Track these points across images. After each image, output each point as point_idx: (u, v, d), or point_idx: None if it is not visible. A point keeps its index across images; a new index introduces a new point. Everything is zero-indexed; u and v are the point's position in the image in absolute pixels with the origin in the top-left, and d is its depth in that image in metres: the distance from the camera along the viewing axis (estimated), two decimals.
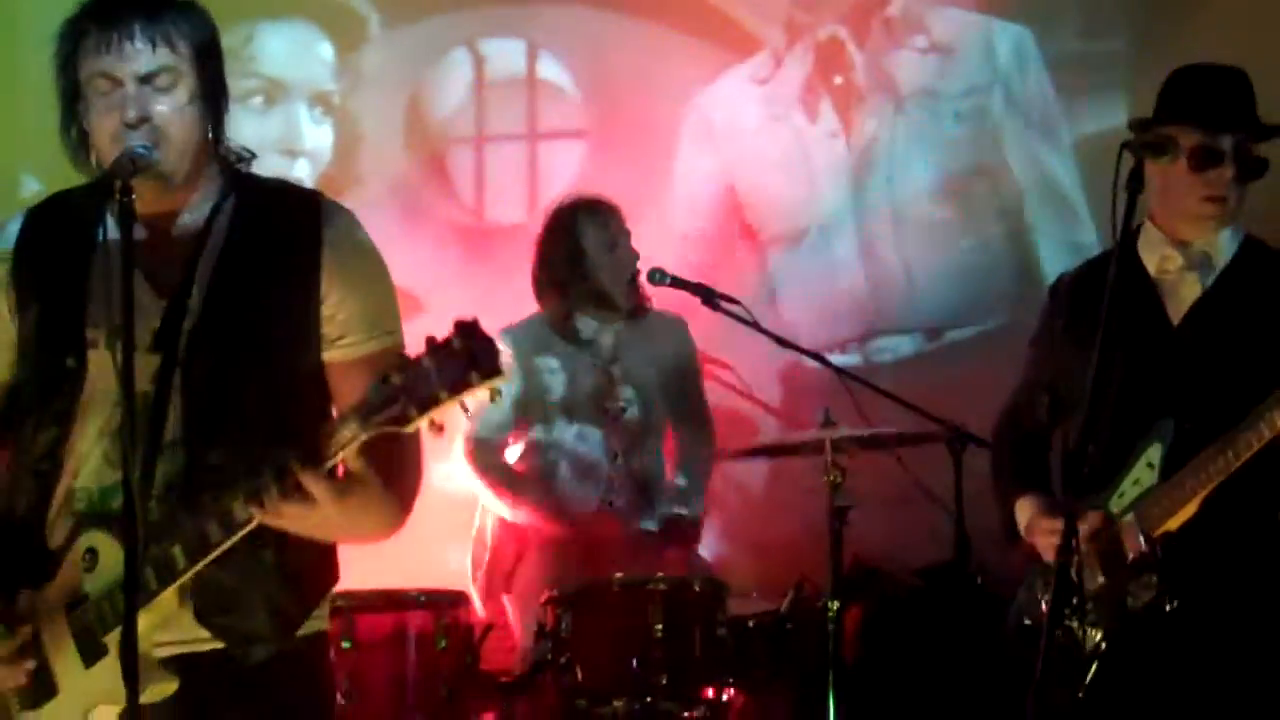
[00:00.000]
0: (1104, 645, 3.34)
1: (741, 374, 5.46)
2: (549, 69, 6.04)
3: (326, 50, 6.11)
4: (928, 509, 4.87)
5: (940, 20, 5.86)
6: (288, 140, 6.03)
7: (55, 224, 2.63)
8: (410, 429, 2.23)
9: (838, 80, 5.88)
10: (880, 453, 4.71)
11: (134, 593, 2.28)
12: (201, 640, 2.52)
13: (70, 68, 2.53)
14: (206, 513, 2.38)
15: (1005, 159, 5.80)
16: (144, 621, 2.36)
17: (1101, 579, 3.37)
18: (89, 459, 2.54)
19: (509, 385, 4.45)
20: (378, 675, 4.19)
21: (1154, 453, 3.34)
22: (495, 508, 4.84)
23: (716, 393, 5.38)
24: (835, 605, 4.32)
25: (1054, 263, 5.63)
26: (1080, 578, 3.34)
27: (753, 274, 5.78)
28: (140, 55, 2.48)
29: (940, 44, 5.85)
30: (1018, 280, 5.75)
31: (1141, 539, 3.31)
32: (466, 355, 2.18)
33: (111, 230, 2.47)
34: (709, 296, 4.81)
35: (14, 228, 2.64)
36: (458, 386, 2.18)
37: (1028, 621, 3.52)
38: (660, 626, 4.16)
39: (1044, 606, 3.33)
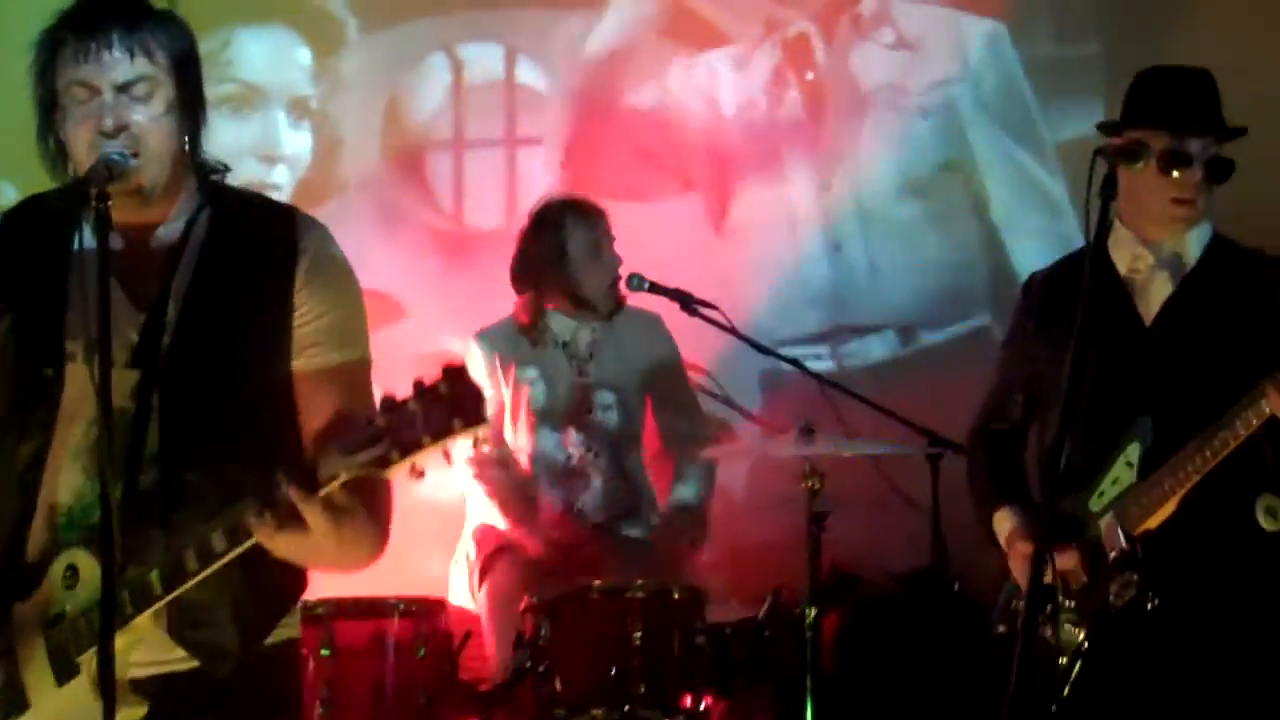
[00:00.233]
0: (1086, 644, 3.36)
1: (719, 379, 5.46)
2: (527, 74, 6.04)
3: (304, 55, 6.10)
4: (905, 514, 4.88)
5: (908, 16, 5.87)
6: (266, 145, 6.01)
7: (30, 230, 2.61)
8: (391, 473, 2.25)
9: (809, 76, 5.90)
10: (858, 457, 4.72)
11: (110, 616, 2.29)
12: (175, 660, 2.51)
13: (48, 77, 2.52)
14: (185, 540, 2.38)
15: (974, 156, 5.83)
16: (118, 643, 2.35)
17: (1084, 579, 3.38)
18: (68, 474, 2.53)
19: (488, 393, 4.44)
20: (356, 683, 4.19)
21: (1132, 451, 3.37)
22: (487, 514, 4.82)
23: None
24: (813, 612, 4.32)
25: (1030, 261, 5.66)
26: (1058, 582, 3.36)
27: (724, 271, 5.79)
28: (118, 64, 2.47)
29: (907, 39, 5.87)
30: (991, 279, 5.77)
31: (1122, 538, 3.33)
32: (452, 402, 2.19)
33: (88, 239, 2.46)
34: (687, 302, 4.82)
35: None
36: (441, 433, 2.20)
37: (1002, 629, 3.54)
38: (639, 634, 4.16)
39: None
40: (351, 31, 6.10)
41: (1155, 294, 3.49)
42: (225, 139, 2.73)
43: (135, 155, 2.46)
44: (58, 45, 2.50)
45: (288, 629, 2.63)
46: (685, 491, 4.92)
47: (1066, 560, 3.38)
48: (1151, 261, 3.49)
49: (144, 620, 2.42)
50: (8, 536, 2.54)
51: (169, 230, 2.58)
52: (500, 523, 4.77)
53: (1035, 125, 5.80)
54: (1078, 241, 5.42)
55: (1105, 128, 3.54)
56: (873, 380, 5.35)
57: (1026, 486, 3.60)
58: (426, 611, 4.31)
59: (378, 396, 2.27)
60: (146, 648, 2.48)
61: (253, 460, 2.42)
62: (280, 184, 5.98)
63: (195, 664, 2.51)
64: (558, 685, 4.16)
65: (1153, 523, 3.32)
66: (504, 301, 4.97)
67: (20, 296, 2.56)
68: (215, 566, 2.37)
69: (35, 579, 2.52)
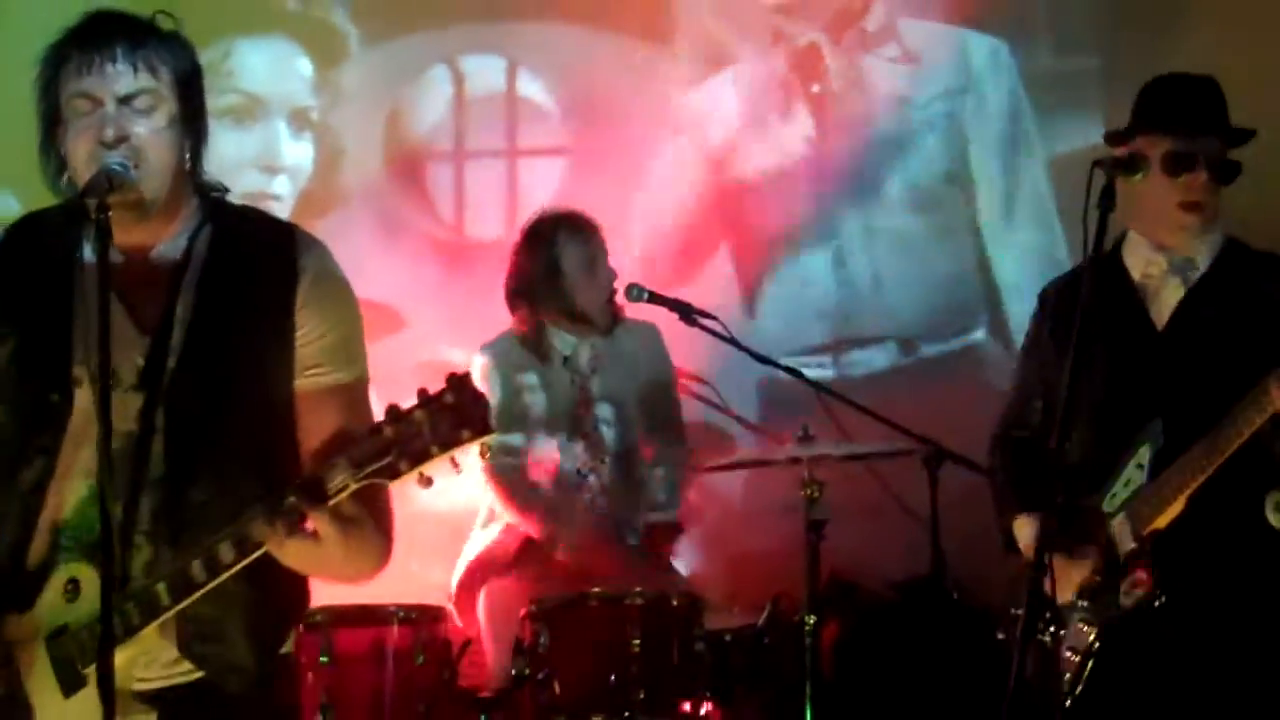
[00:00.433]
0: (1097, 644, 3.38)
1: (719, 389, 5.47)
2: (528, 86, 6.06)
3: (305, 66, 6.12)
4: (904, 522, 4.89)
5: (913, 31, 5.90)
6: (267, 156, 6.04)
7: (31, 249, 2.62)
8: (400, 482, 2.28)
9: (815, 89, 5.92)
10: (856, 465, 4.73)
11: (109, 635, 2.31)
12: (181, 673, 2.53)
13: (51, 91, 2.53)
14: (192, 552, 2.40)
15: (977, 169, 5.85)
16: (125, 655, 2.39)
17: (1096, 577, 3.41)
18: (75, 494, 2.54)
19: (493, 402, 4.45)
20: (356, 691, 4.18)
21: (1143, 454, 3.40)
22: (504, 513, 4.82)
23: (694, 408, 5.39)
24: (812, 619, 4.33)
25: (1027, 274, 5.68)
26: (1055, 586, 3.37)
27: (728, 283, 5.81)
28: (121, 76, 2.49)
29: (912, 53, 5.90)
30: (990, 292, 5.79)
31: (1131, 537, 3.35)
32: (458, 411, 2.23)
33: (89, 257, 2.48)
34: (686, 312, 4.82)
35: None
36: (449, 442, 2.24)
37: (1001, 637, 3.56)
38: (638, 641, 4.17)
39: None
40: (353, 43, 6.12)
41: (1167, 299, 3.52)
42: (226, 149, 2.76)
43: (136, 167, 2.47)
44: (62, 61, 2.52)
45: (286, 644, 2.66)
46: (658, 497, 4.93)
47: (1084, 560, 3.40)
48: (1164, 267, 3.52)
49: (151, 632, 2.44)
50: (6, 556, 2.54)
51: (170, 249, 2.59)
52: (506, 512, 4.76)
53: (1033, 140, 5.82)
54: (1066, 254, 5.49)
55: (1112, 137, 3.57)
56: (870, 389, 5.36)
57: (1048, 493, 3.61)
58: (426, 619, 4.31)
59: (378, 411, 2.30)
60: (155, 661, 2.50)
61: (258, 479, 2.45)
62: (281, 194, 6.00)
63: (201, 674, 2.52)
64: (557, 691, 4.17)
65: (1162, 522, 3.34)
66: (504, 312, 4.97)
67: (24, 318, 2.57)
68: (223, 577, 2.39)
69: (32, 593, 2.53)
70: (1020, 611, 3.20)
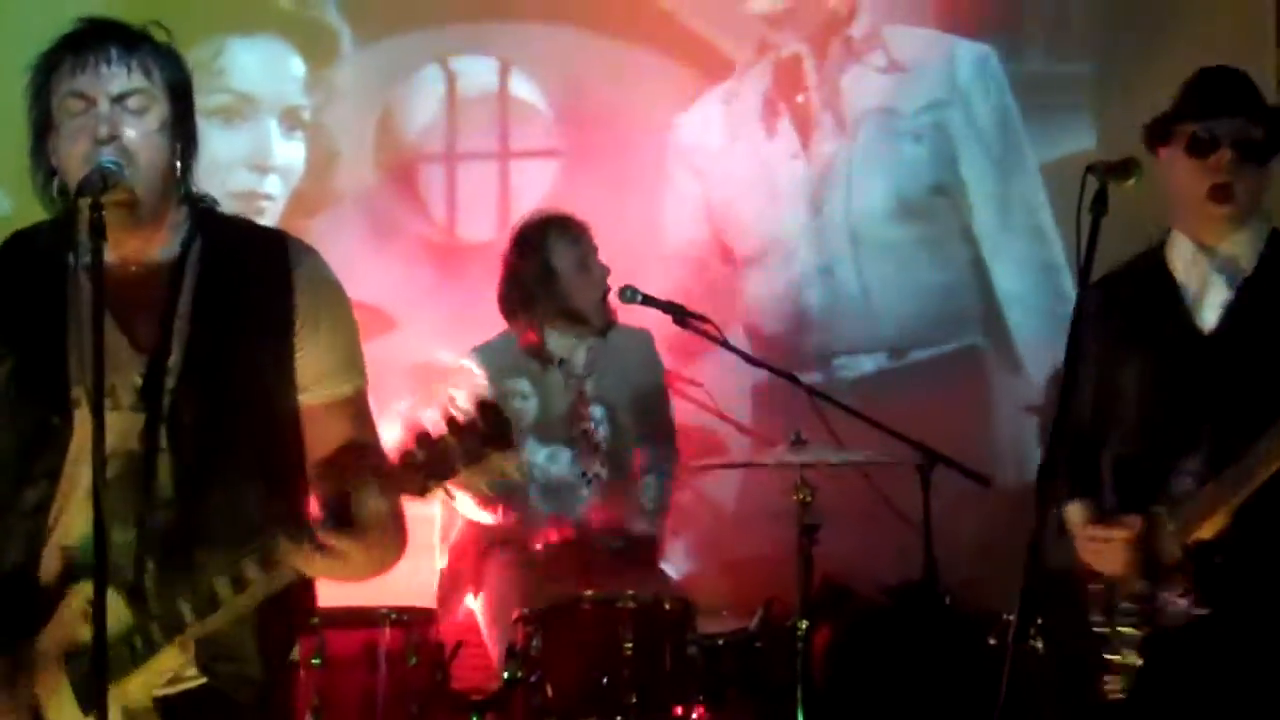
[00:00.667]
0: (1138, 656, 3.36)
1: (712, 392, 5.47)
2: (521, 87, 6.05)
3: (297, 66, 6.10)
4: (896, 527, 4.89)
5: (899, 39, 5.89)
6: (258, 155, 6.00)
7: (22, 267, 2.60)
8: (427, 498, 2.35)
9: (799, 99, 5.92)
10: (849, 470, 4.73)
11: (102, 653, 2.32)
12: (189, 677, 2.53)
13: (43, 96, 2.53)
14: (216, 571, 2.42)
15: (965, 178, 5.84)
16: (145, 674, 2.43)
17: (1141, 584, 3.39)
18: (83, 515, 2.51)
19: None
20: (348, 693, 4.18)
21: (1192, 462, 3.36)
22: (475, 514, 4.81)
23: (687, 411, 5.39)
24: (804, 624, 4.33)
25: (1025, 283, 5.68)
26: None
27: (724, 293, 5.80)
28: (115, 76, 2.49)
29: (898, 62, 5.89)
30: (980, 301, 5.78)
31: (1175, 546, 3.33)
32: (483, 431, 2.31)
33: (82, 265, 2.47)
34: (680, 314, 4.82)
35: None
36: (474, 459, 2.33)
37: (993, 642, 3.56)
38: (630, 645, 4.17)
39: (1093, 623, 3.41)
40: (345, 43, 6.10)
41: (1212, 300, 3.45)
42: (217, 149, 2.75)
43: (127, 166, 2.46)
44: (55, 65, 2.52)
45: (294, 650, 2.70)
46: (644, 501, 4.92)
47: (1130, 525, 3.37)
48: (1207, 267, 3.46)
49: (172, 652, 2.46)
50: (11, 578, 2.53)
51: (161, 261, 2.58)
52: (483, 516, 4.75)
53: (1023, 149, 5.81)
54: (1062, 262, 5.49)
55: (1151, 128, 3.52)
56: (862, 393, 5.36)
57: (1099, 484, 3.58)
58: (418, 621, 4.30)
59: (398, 427, 2.36)
60: (174, 680, 2.51)
61: (266, 492, 2.48)
62: (273, 194, 5.97)
63: (204, 680, 2.53)
64: (549, 695, 4.17)
65: (1206, 532, 3.30)
66: (496, 314, 4.96)
67: (19, 338, 2.56)
68: (249, 594, 2.43)
69: (44, 614, 2.52)
70: (1096, 617, 3.22)
